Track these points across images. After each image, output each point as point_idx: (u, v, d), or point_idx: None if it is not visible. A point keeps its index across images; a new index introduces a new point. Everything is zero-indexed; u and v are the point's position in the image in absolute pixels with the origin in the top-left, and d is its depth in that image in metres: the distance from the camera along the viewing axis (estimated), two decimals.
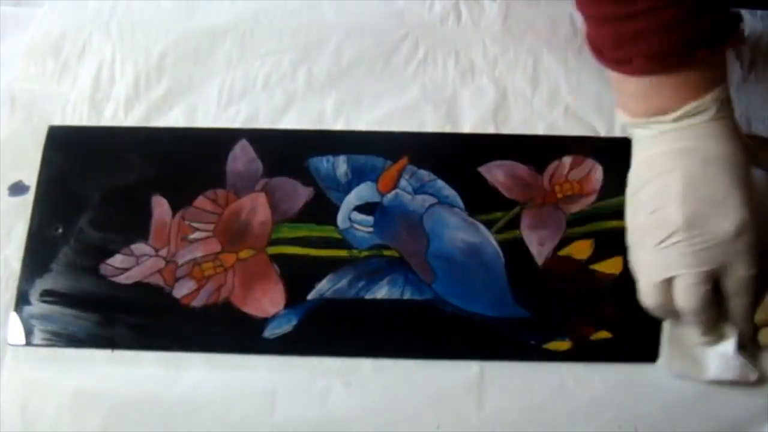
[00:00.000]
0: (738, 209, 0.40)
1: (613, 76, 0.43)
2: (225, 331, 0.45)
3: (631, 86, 0.42)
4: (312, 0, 0.55)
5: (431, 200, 0.48)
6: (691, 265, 0.40)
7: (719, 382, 0.43)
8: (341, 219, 0.48)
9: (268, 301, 0.45)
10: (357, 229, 0.47)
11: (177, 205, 0.48)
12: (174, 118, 0.51)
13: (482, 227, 0.47)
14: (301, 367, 0.44)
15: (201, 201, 0.48)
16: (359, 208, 0.48)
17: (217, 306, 0.45)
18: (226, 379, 0.44)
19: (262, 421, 0.43)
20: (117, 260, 0.47)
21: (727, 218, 0.39)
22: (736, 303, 0.41)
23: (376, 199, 0.48)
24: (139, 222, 0.47)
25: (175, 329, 0.45)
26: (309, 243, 0.47)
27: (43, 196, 0.49)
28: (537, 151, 0.49)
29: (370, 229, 0.47)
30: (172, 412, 0.43)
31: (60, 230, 0.48)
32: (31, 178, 0.49)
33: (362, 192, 0.48)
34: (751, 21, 0.53)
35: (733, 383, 0.43)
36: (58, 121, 0.51)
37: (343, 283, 0.46)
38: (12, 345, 0.45)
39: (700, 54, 0.39)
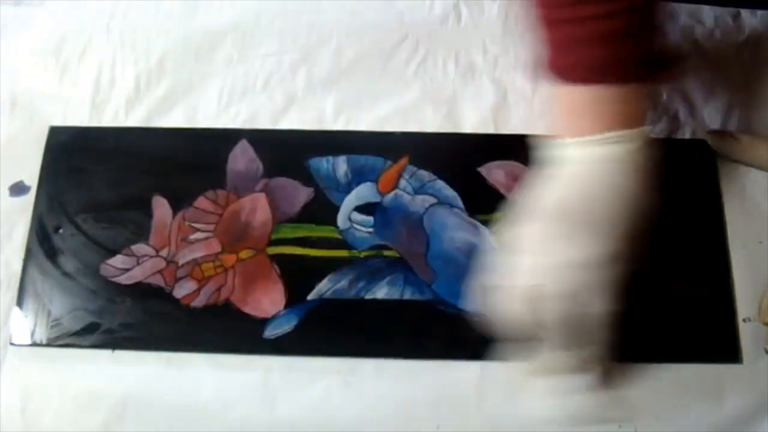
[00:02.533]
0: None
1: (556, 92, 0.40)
2: (225, 331, 0.45)
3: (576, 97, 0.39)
4: (312, 0, 0.55)
5: (431, 200, 0.48)
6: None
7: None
8: (341, 219, 0.48)
9: (268, 301, 0.46)
10: (357, 229, 0.47)
11: (177, 205, 0.48)
12: (174, 118, 0.51)
13: (482, 227, 0.47)
14: (301, 367, 0.44)
15: (201, 201, 0.48)
16: (359, 209, 0.48)
17: (218, 306, 0.45)
18: (226, 379, 0.44)
19: (262, 421, 0.43)
20: (118, 260, 0.47)
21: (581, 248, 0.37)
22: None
23: (376, 199, 0.48)
24: (139, 222, 0.48)
25: (175, 329, 0.45)
26: (309, 243, 0.47)
27: (44, 196, 0.49)
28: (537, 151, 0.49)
29: (370, 230, 0.47)
30: (172, 411, 0.44)
31: (61, 231, 0.48)
32: (32, 179, 0.49)
33: (362, 192, 0.48)
34: (751, 21, 0.53)
35: None
36: (58, 122, 0.51)
37: (343, 283, 0.46)
38: (13, 345, 0.45)
39: (639, 72, 0.38)
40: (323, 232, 0.47)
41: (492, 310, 0.39)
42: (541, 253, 0.38)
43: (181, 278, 0.46)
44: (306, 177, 0.49)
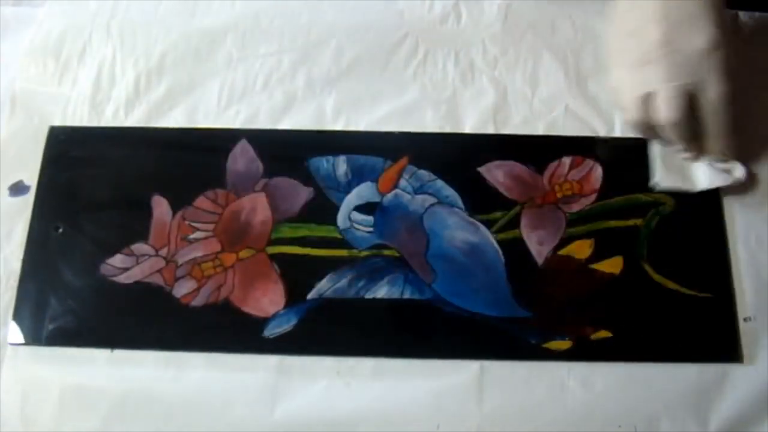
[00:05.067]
0: (710, 27, 0.42)
1: None
2: (225, 330, 0.45)
3: None
4: (312, 0, 0.55)
5: (431, 200, 0.48)
6: (668, 79, 0.43)
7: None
8: (341, 219, 0.48)
9: (268, 300, 0.46)
10: (357, 228, 0.47)
11: (177, 205, 0.48)
12: (174, 118, 0.51)
13: (482, 227, 0.47)
14: (300, 367, 0.44)
15: (201, 201, 0.48)
16: (359, 208, 0.48)
17: (217, 306, 0.45)
18: (226, 379, 0.44)
19: (262, 421, 0.43)
20: (117, 260, 0.47)
21: (700, 36, 0.43)
22: (713, 120, 0.44)
23: (376, 199, 0.48)
24: (139, 222, 0.47)
25: (175, 329, 0.45)
26: (309, 243, 0.47)
27: (44, 196, 0.49)
28: (537, 151, 0.49)
29: (370, 229, 0.47)
30: (172, 411, 0.43)
31: (60, 230, 0.48)
32: (31, 179, 0.49)
33: (362, 192, 0.48)
34: (749, 22, 0.53)
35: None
36: (58, 122, 0.51)
37: (343, 282, 0.46)
38: (12, 344, 0.45)
39: None
40: (323, 231, 0.47)
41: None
42: (656, 54, 0.44)
43: (180, 277, 0.46)
44: (306, 177, 0.49)
